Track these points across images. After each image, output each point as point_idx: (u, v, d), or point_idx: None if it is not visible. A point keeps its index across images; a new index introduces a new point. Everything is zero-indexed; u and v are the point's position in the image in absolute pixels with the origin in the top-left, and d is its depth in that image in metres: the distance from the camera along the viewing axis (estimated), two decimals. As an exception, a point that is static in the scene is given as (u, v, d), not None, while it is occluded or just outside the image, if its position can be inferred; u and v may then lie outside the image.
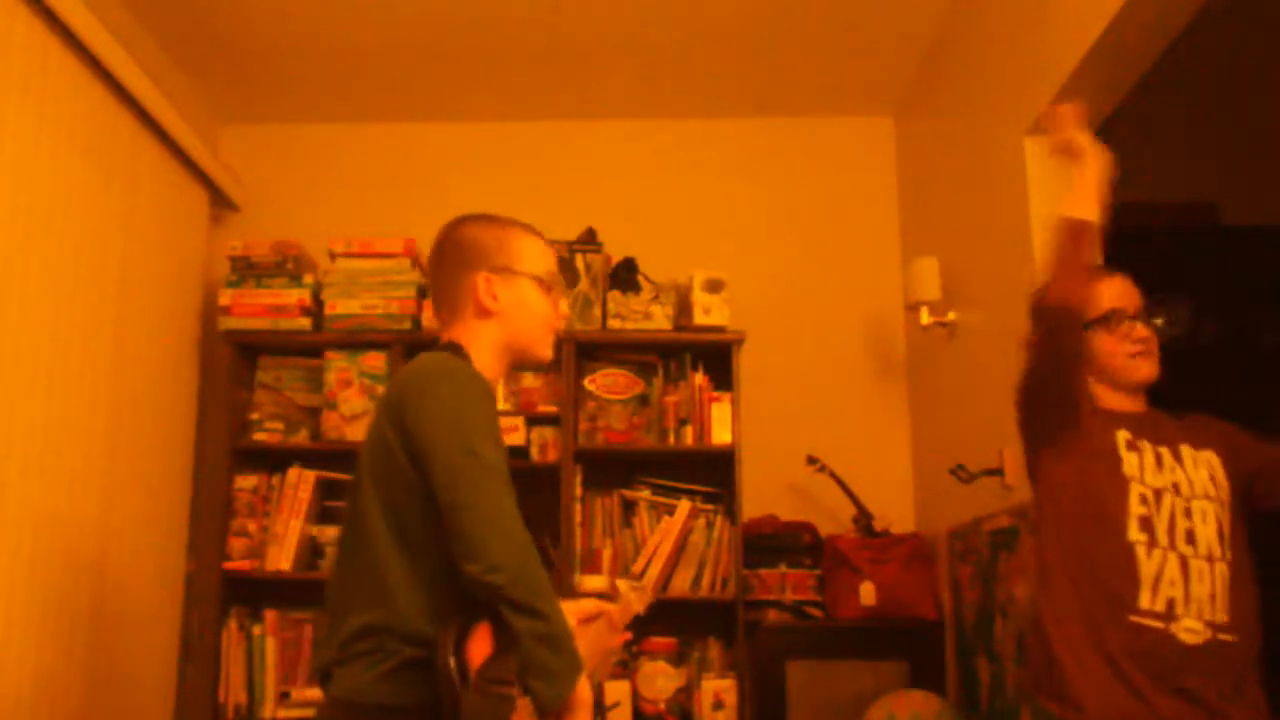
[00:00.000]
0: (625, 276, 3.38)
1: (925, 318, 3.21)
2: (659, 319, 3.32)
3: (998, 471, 2.67)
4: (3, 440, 2.41)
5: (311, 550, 3.25)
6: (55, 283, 2.64)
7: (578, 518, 3.23)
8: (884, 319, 3.68)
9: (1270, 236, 3.69)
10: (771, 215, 3.76)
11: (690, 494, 3.28)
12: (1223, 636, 1.70)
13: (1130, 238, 2.69)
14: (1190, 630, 1.70)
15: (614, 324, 3.31)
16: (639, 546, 3.25)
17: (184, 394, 3.38)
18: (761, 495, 3.32)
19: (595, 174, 3.79)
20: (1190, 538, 1.74)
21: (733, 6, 3.13)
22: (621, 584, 1.83)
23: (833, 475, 3.32)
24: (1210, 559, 1.73)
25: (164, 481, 3.22)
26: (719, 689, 3.12)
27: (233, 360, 3.31)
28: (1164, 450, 1.83)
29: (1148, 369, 1.89)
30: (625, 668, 3.19)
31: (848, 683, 3.02)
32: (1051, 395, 1.86)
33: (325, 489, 3.32)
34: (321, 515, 3.30)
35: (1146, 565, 1.72)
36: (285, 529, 3.19)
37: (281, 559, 3.16)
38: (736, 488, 3.19)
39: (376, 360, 3.27)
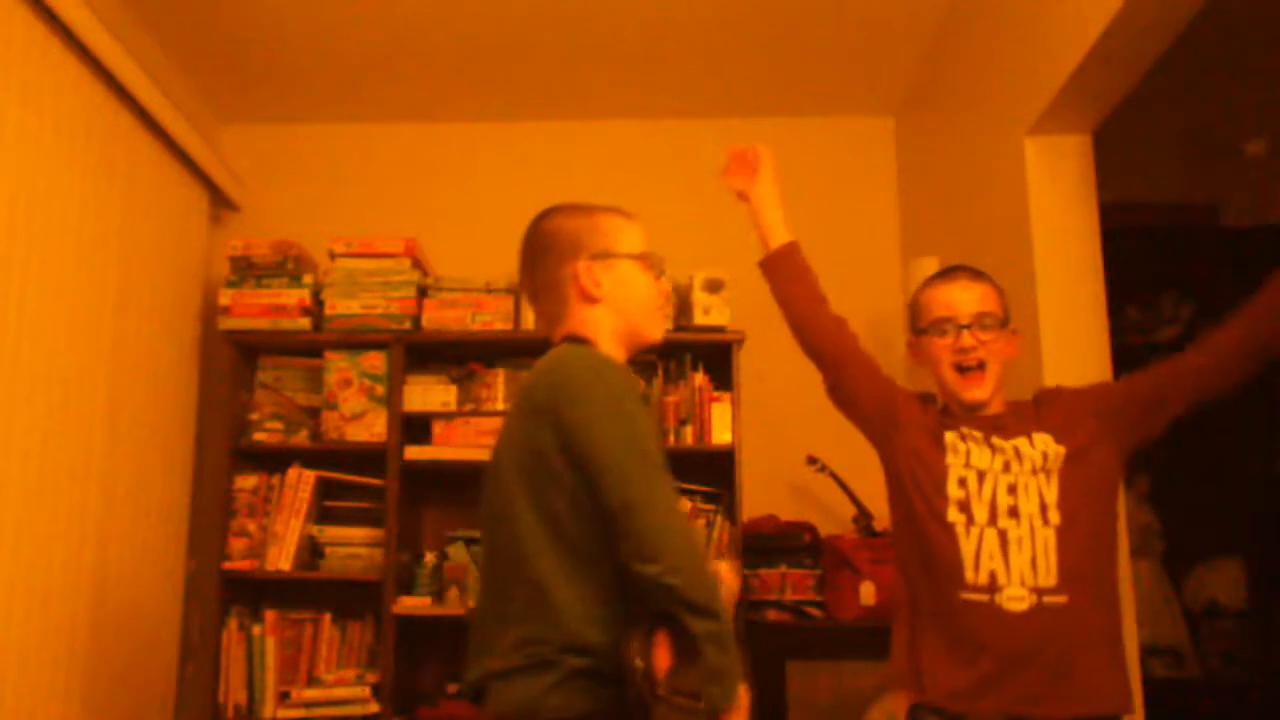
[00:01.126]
0: (625, 276, 3.38)
1: (925, 318, 3.20)
2: (659, 319, 3.31)
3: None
4: (2, 440, 2.41)
5: (311, 550, 3.25)
6: (55, 283, 2.64)
7: (578, 518, 3.22)
8: (884, 319, 3.68)
9: (1270, 236, 3.69)
10: (771, 215, 3.75)
11: (690, 494, 3.27)
12: (1049, 599, 1.75)
13: (1130, 238, 2.69)
14: (1014, 598, 1.75)
15: (614, 324, 3.31)
16: (639, 546, 3.24)
17: (184, 394, 3.38)
18: (761, 495, 3.32)
19: (595, 174, 3.79)
20: (1013, 512, 1.80)
21: (733, 7, 3.13)
22: (722, 565, 1.86)
23: (833, 475, 3.32)
24: (1033, 528, 1.78)
25: (164, 481, 3.22)
26: (719, 689, 3.12)
27: (233, 360, 3.31)
28: (998, 440, 1.87)
29: (970, 392, 1.90)
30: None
31: (848, 683, 3.02)
32: (841, 399, 2.07)
33: (325, 489, 3.32)
34: (321, 515, 3.30)
35: (966, 544, 1.79)
36: (285, 529, 3.19)
37: (281, 559, 3.16)
38: (736, 488, 3.19)
39: (376, 360, 3.27)
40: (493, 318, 3.31)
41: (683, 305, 3.36)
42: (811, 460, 3.36)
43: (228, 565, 3.17)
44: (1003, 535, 1.79)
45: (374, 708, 3.09)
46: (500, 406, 3.31)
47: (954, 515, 1.82)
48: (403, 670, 3.22)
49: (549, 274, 1.74)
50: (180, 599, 3.32)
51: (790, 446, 3.40)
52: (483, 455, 3.19)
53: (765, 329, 3.54)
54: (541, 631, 1.50)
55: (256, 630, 3.18)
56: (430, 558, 3.23)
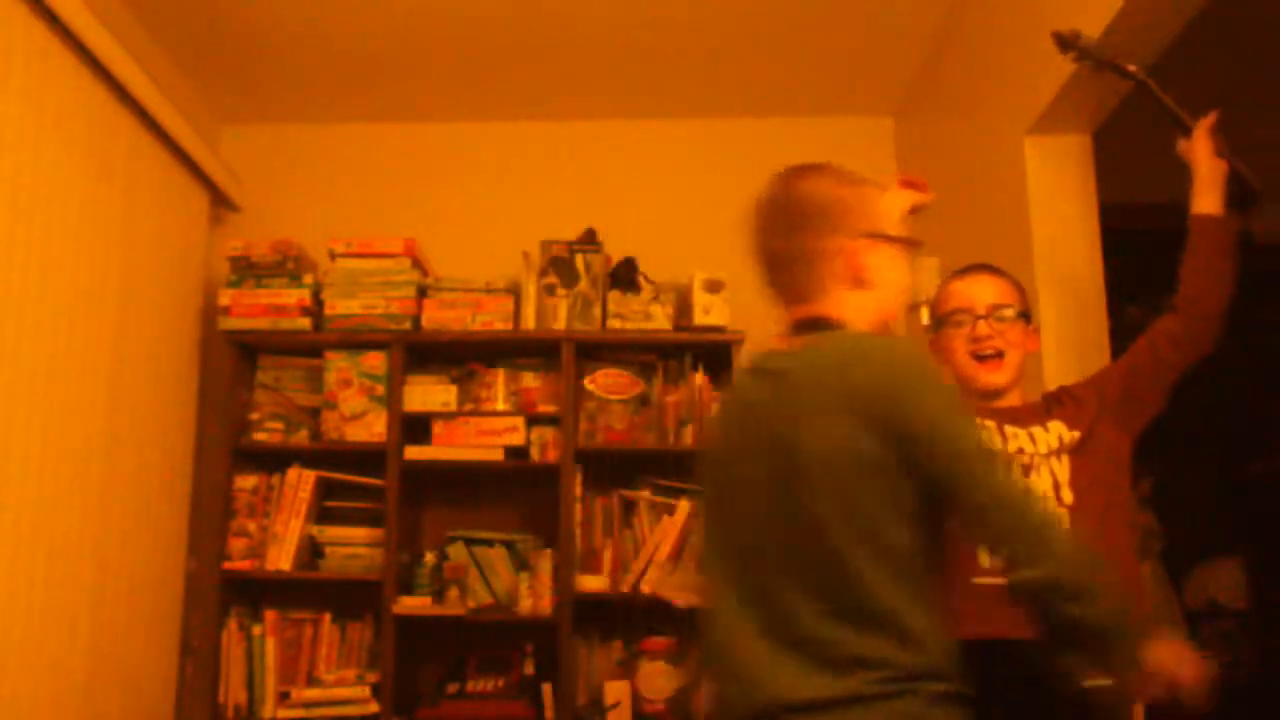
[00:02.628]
0: (625, 276, 3.38)
1: (925, 317, 3.20)
2: (659, 319, 3.32)
3: None
4: (2, 440, 2.41)
5: (311, 550, 3.25)
6: (55, 283, 2.64)
7: (578, 518, 3.23)
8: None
9: (1270, 236, 3.69)
10: (771, 215, 3.75)
11: (690, 494, 3.28)
12: None
13: (1130, 238, 2.69)
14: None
15: (614, 324, 3.31)
16: (639, 546, 3.25)
17: (184, 394, 3.38)
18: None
19: (595, 174, 3.79)
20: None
21: (733, 6, 3.13)
22: (1166, 650, 1.84)
23: (833, 475, 3.32)
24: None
25: (164, 481, 3.22)
26: (719, 689, 3.12)
27: (233, 360, 3.31)
28: (1011, 429, 1.86)
29: (987, 377, 1.91)
30: (625, 668, 3.20)
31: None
32: None
33: (325, 489, 3.32)
34: (321, 515, 3.30)
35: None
36: (285, 529, 3.19)
37: (281, 559, 3.16)
38: (736, 488, 3.19)
39: (376, 360, 3.27)
40: (493, 318, 3.31)
41: (683, 305, 3.36)
42: (811, 460, 3.36)
43: (228, 565, 3.17)
44: None
45: (374, 708, 3.09)
46: (500, 406, 3.31)
47: None
48: (403, 670, 3.22)
49: (808, 244, 1.52)
50: (180, 599, 3.32)
51: (790, 446, 3.39)
52: (483, 455, 3.23)
53: (765, 329, 3.54)
54: (885, 655, 1.32)
55: (256, 630, 3.18)
56: (430, 558, 3.23)
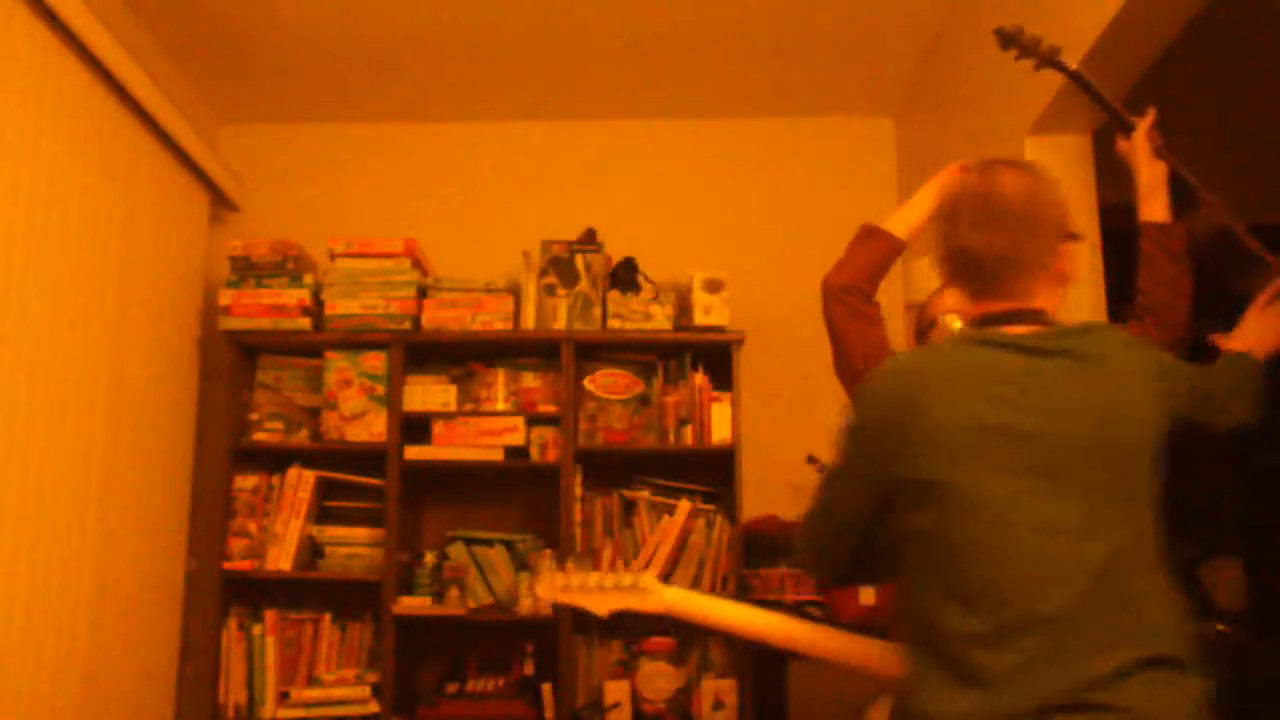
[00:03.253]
0: (625, 276, 3.38)
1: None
2: (659, 319, 3.32)
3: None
4: (3, 440, 2.41)
5: (311, 550, 3.25)
6: (55, 283, 2.64)
7: (578, 517, 3.23)
8: (883, 319, 3.68)
9: (1270, 236, 3.69)
10: (771, 215, 3.76)
11: (690, 494, 3.28)
12: None
13: (1130, 238, 2.69)
14: None
15: (614, 324, 3.31)
16: (639, 546, 3.25)
17: (184, 394, 3.38)
18: (761, 495, 3.32)
19: (595, 174, 3.79)
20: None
21: (733, 7, 3.13)
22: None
23: (833, 475, 3.31)
24: None
25: (164, 481, 3.22)
26: (719, 689, 3.12)
27: (233, 360, 3.31)
28: None
29: None
30: (625, 668, 3.20)
31: (848, 683, 3.02)
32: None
33: (325, 489, 3.32)
34: (321, 515, 3.30)
35: None
36: (285, 529, 3.19)
37: (281, 559, 3.16)
38: (736, 488, 3.19)
39: (376, 360, 3.27)
40: (493, 318, 3.31)
41: (683, 305, 3.36)
42: (811, 460, 3.36)
43: (228, 565, 3.17)
44: None
45: (374, 708, 3.09)
46: (500, 406, 3.31)
47: None
48: (403, 670, 3.23)
49: (1036, 248, 1.53)
50: (180, 599, 3.32)
51: (790, 446, 3.40)
52: (483, 455, 3.23)
53: (765, 329, 3.55)
54: (1170, 651, 1.37)
55: (256, 630, 3.18)
56: (430, 558, 3.23)
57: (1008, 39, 2.10)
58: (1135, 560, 1.41)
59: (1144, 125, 1.99)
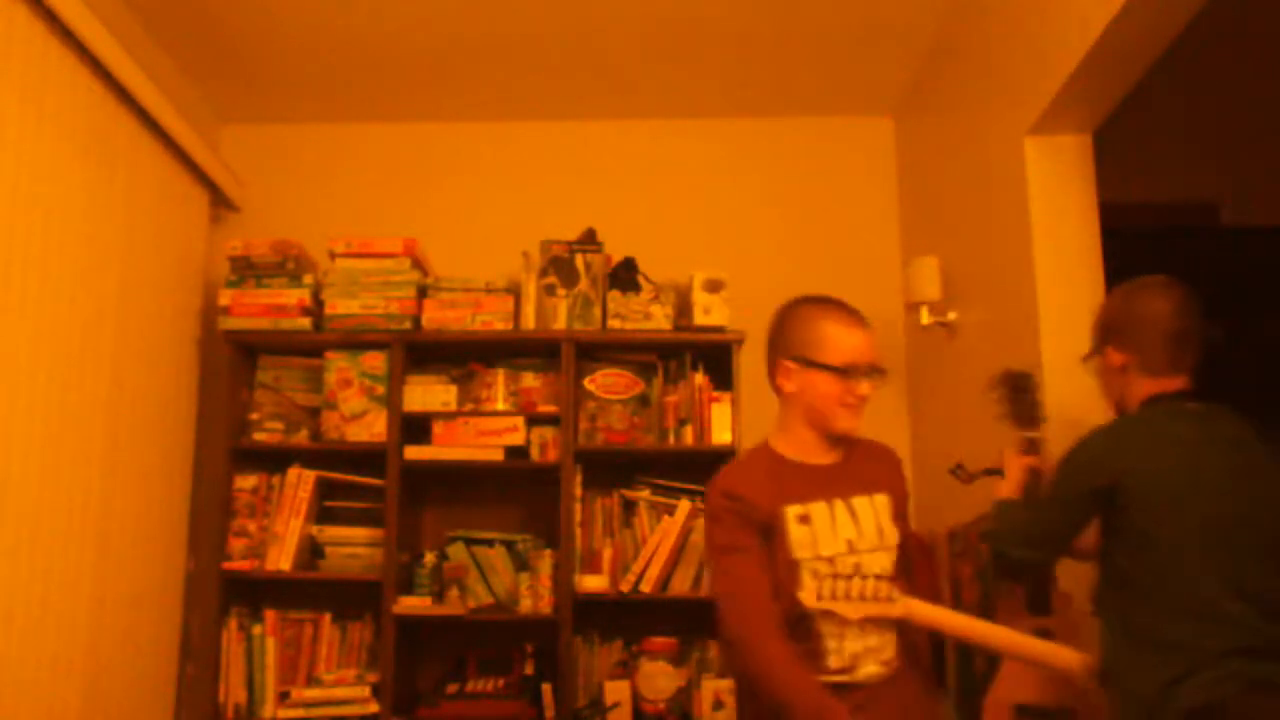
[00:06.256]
0: (625, 276, 3.38)
1: (925, 318, 3.21)
2: (659, 319, 3.32)
3: (997, 471, 2.67)
4: (2, 440, 2.41)
5: (311, 550, 3.25)
6: (55, 283, 2.64)
7: (578, 518, 3.23)
8: (884, 319, 3.67)
9: (1270, 236, 3.69)
10: (771, 215, 3.76)
11: (690, 494, 3.27)
12: (896, 667, 1.96)
13: (1130, 238, 2.69)
14: (869, 674, 1.91)
15: (614, 324, 3.31)
16: (639, 546, 3.25)
17: (184, 394, 3.38)
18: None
19: (595, 174, 3.79)
20: (863, 592, 1.89)
21: (732, 6, 3.13)
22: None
23: (833, 475, 3.31)
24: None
25: (164, 481, 3.22)
26: (719, 689, 3.12)
27: (233, 360, 3.31)
28: (838, 506, 1.98)
29: (849, 421, 2.02)
30: (625, 668, 3.20)
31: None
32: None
33: (325, 489, 3.32)
34: (321, 515, 3.30)
35: (827, 631, 1.91)
36: (285, 529, 3.19)
37: (281, 559, 3.16)
38: (736, 488, 3.19)
39: (376, 360, 3.27)
40: (493, 318, 3.31)
41: (683, 305, 3.36)
42: (811, 460, 3.36)
43: (228, 565, 3.17)
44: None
45: (374, 708, 3.09)
46: (500, 406, 3.31)
47: (812, 605, 1.98)
48: (403, 670, 3.22)
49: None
50: (180, 599, 3.32)
51: (790, 446, 3.39)
52: (483, 455, 3.23)
53: (765, 329, 3.54)
54: None
55: (256, 630, 3.18)
56: (430, 558, 3.23)
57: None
58: None
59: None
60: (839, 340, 1.99)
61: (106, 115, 2.89)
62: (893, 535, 2.02)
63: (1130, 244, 2.56)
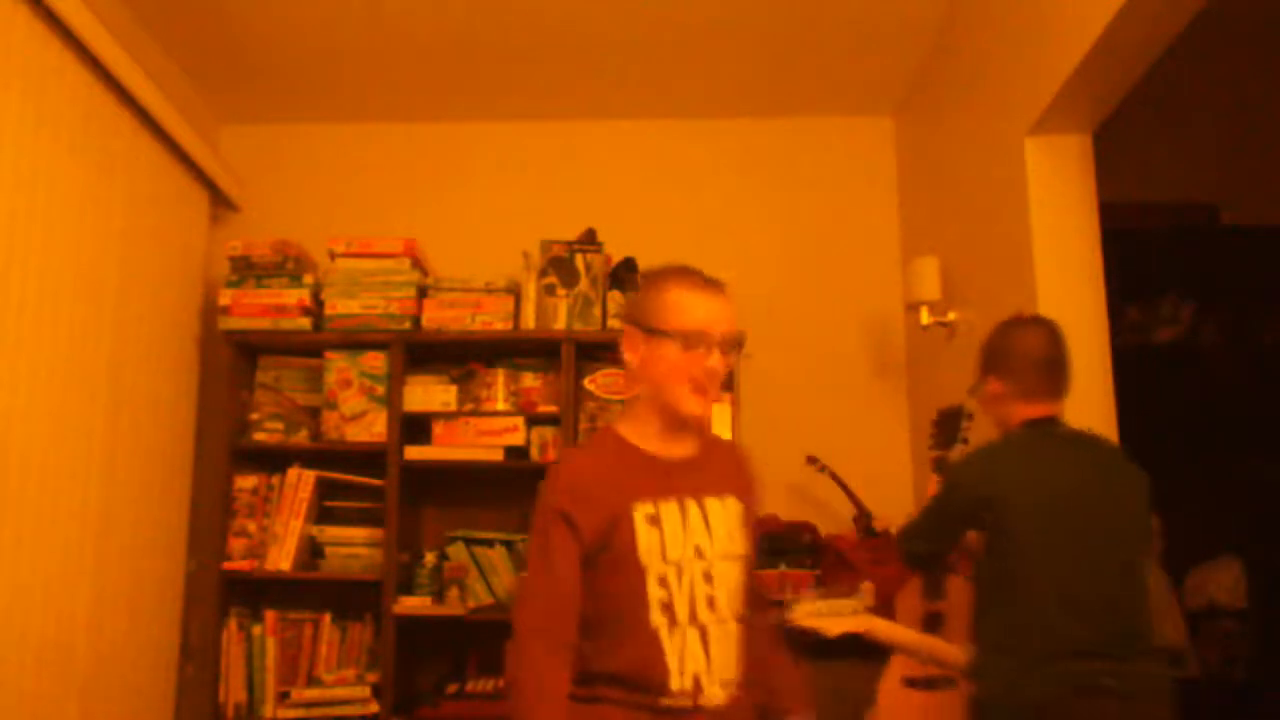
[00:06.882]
0: (625, 276, 3.38)
1: (925, 318, 3.21)
2: (659, 319, 3.31)
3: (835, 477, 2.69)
4: (2, 439, 2.41)
5: (311, 550, 3.25)
6: (55, 283, 2.64)
7: (578, 518, 3.22)
8: (884, 319, 3.68)
9: (1270, 236, 3.69)
10: (771, 215, 3.76)
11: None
12: (735, 692, 1.73)
13: (1130, 238, 2.69)
14: (713, 696, 1.69)
15: (614, 324, 3.31)
16: (639, 546, 3.24)
17: (184, 394, 3.38)
18: (761, 495, 3.31)
19: (595, 174, 3.79)
20: (712, 603, 1.72)
21: (733, 6, 3.13)
22: None
23: (833, 475, 3.32)
24: (724, 620, 1.73)
25: (164, 481, 3.22)
26: (719, 689, 3.12)
27: (233, 360, 3.31)
28: (690, 505, 1.75)
29: (697, 405, 1.76)
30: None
31: (847, 683, 3.01)
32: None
33: (325, 489, 3.31)
34: (321, 515, 3.30)
35: (670, 647, 1.68)
36: (285, 529, 3.19)
37: (281, 559, 3.16)
38: (736, 488, 3.19)
39: (376, 360, 3.27)
40: (493, 318, 3.31)
41: (683, 305, 3.35)
42: (811, 460, 3.36)
43: (228, 565, 3.17)
44: (704, 632, 1.73)
45: (374, 708, 3.09)
46: (500, 406, 3.30)
47: (656, 619, 1.73)
48: (403, 670, 3.22)
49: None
50: (180, 599, 3.32)
51: (790, 446, 3.40)
52: (483, 455, 3.22)
53: (765, 329, 3.55)
54: None
55: (256, 630, 3.18)
56: (430, 558, 3.23)
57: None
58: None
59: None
60: (685, 305, 1.75)
61: (106, 115, 2.89)
62: (742, 543, 1.80)
63: (1130, 244, 2.57)
